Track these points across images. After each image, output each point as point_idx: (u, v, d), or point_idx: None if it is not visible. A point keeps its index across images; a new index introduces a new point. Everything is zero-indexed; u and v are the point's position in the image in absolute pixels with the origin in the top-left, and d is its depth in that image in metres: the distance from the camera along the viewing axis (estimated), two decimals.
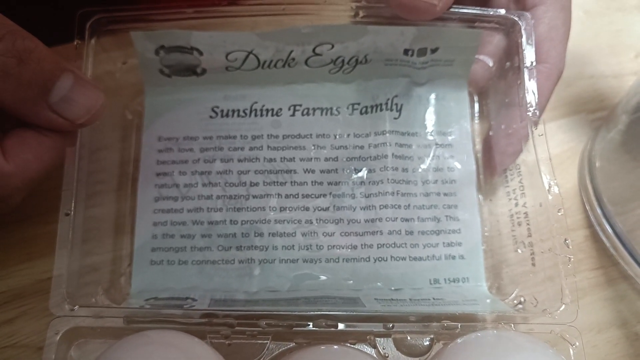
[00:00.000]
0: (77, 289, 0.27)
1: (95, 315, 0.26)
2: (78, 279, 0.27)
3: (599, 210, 0.33)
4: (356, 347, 0.26)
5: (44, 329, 0.25)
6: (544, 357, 0.25)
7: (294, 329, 0.26)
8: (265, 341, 0.26)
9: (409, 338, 0.26)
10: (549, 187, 0.28)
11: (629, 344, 0.30)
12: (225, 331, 0.26)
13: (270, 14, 0.29)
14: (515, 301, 0.30)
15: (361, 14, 0.30)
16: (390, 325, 0.27)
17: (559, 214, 0.28)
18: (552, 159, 0.29)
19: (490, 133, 0.33)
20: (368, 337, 0.27)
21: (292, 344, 0.26)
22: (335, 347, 0.25)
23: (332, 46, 0.31)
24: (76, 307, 0.26)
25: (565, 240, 0.28)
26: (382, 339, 0.26)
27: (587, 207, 0.34)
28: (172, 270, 0.31)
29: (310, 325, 0.26)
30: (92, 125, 0.27)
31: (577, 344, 0.26)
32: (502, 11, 0.30)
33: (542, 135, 0.29)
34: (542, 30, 0.31)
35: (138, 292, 0.30)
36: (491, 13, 0.30)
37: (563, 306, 0.27)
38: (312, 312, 0.27)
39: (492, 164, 0.32)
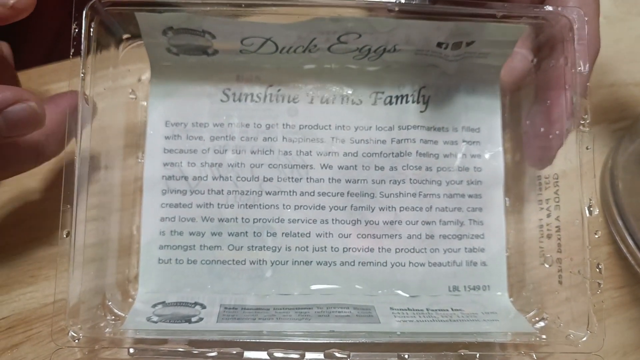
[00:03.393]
0: (81, 314, 0.25)
1: (100, 345, 0.24)
2: (82, 303, 0.25)
3: (621, 225, 0.31)
4: None
5: (50, 355, 0.23)
6: None
7: (305, 358, 0.25)
8: None
9: None
10: (590, 205, 0.26)
11: None
12: None
13: (292, 5, 0.26)
14: (537, 318, 0.29)
15: (397, 9, 0.26)
16: (405, 355, 0.26)
17: (596, 236, 0.26)
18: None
19: (524, 132, 0.31)
20: None
21: None
22: None
23: (360, 36, 0.28)
24: (80, 335, 0.24)
25: (598, 265, 0.26)
26: None
27: (610, 222, 0.32)
28: (181, 270, 0.30)
29: (322, 356, 0.25)
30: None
31: None
32: (549, 8, 0.27)
33: (589, 148, 0.27)
34: None
35: (145, 292, 0.29)
36: (538, 9, 0.27)
37: (588, 333, 0.26)
38: (323, 339, 0.26)
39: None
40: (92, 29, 0.27)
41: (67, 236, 0.25)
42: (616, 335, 0.30)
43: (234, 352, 0.25)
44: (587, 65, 0.27)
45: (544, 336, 0.27)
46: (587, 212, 0.27)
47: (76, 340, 0.24)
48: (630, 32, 0.35)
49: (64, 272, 0.25)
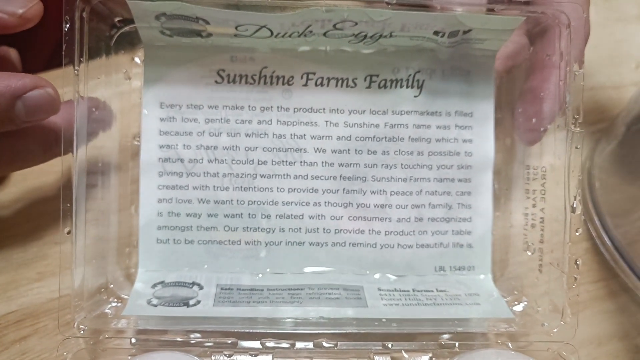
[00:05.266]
0: (86, 305, 0.27)
1: (104, 336, 0.26)
2: (86, 294, 0.27)
3: (598, 223, 0.33)
4: None
5: (57, 347, 0.25)
6: None
7: (295, 347, 0.27)
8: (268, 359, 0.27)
9: (407, 356, 0.27)
10: (573, 204, 0.27)
11: (629, 357, 0.31)
12: (228, 350, 0.26)
13: None
14: (516, 302, 0.30)
15: (394, 2, 0.26)
16: (389, 344, 0.27)
17: (577, 233, 0.27)
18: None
19: (515, 114, 0.31)
20: (368, 354, 0.27)
21: None
22: None
23: (356, 24, 0.28)
24: (85, 327, 0.26)
25: (576, 261, 0.27)
26: (381, 357, 0.27)
27: (587, 220, 0.33)
28: (178, 249, 0.31)
29: (311, 345, 0.27)
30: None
31: None
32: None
33: (579, 148, 0.27)
34: None
35: (145, 272, 0.30)
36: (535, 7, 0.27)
37: (562, 324, 0.28)
38: (313, 328, 0.27)
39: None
40: (83, 19, 0.26)
41: (68, 234, 0.26)
42: (591, 326, 0.31)
43: (229, 341, 0.26)
44: (582, 66, 0.27)
45: (520, 320, 0.29)
46: (570, 209, 0.28)
47: (82, 332, 0.26)
48: (610, 37, 0.37)
49: (68, 268, 0.26)
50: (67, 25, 0.26)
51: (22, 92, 0.25)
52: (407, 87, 0.31)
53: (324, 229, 0.31)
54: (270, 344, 0.27)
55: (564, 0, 0.27)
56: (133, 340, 0.26)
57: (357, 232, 0.31)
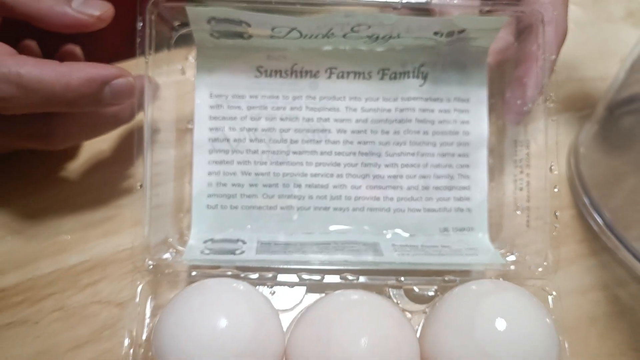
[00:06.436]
0: (152, 250, 0.33)
1: (169, 270, 0.32)
2: (153, 242, 0.33)
3: (582, 192, 0.38)
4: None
5: (122, 290, 0.31)
6: (522, 297, 0.31)
7: (324, 281, 0.33)
8: (302, 290, 0.33)
9: (416, 289, 0.33)
10: (551, 167, 0.33)
11: (608, 304, 0.36)
12: (270, 282, 0.32)
13: (316, 4, 0.33)
14: (508, 253, 0.36)
15: (400, 6, 0.33)
16: (402, 278, 0.33)
17: (555, 190, 0.33)
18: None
19: (505, 100, 0.37)
20: (384, 288, 0.33)
21: (324, 294, 0.33)
22: (360, 292, 0.32)
23: (369, 27, 0.35)
24: (151, 263, 0.32)
25: (555, 212, 0.33)
26: (394, 289, 0.33)
27: (573, 190, 0.39)
28: (225, 213, 0.37)
29: (338, 278, 0.33)
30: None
31: (555, 293, 0.33)
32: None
33: (554, 120, 0.33)
34: None
35: (197, 232, 0.36)
36: (516, 7, 0.34)
37: (545, 264, 0.33)
38: (339, 267, 0.34)
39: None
40: (152, 21, 0.33)
41: (140, 187, 0.32)
42: (576, 279, 0.37)
43: (270, 275, 0.33)
44: (555, 54, 0.33)
45: (512, 267, 0.35)
46: (549, 170, 0.33)
47: (150, 267, 0.32)
48: (598, 35, 0.43)
49: (137, 224, 0.32)
50: (141, 25, 0.32)
51: (110, 79, 0.31)
52: (414, 77, 0.37)
53: (345, 196, 0.37)
54: (305, 276, 0.33)
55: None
56: (193, 273, 0.32)
57: (374, 198, 0.37)
